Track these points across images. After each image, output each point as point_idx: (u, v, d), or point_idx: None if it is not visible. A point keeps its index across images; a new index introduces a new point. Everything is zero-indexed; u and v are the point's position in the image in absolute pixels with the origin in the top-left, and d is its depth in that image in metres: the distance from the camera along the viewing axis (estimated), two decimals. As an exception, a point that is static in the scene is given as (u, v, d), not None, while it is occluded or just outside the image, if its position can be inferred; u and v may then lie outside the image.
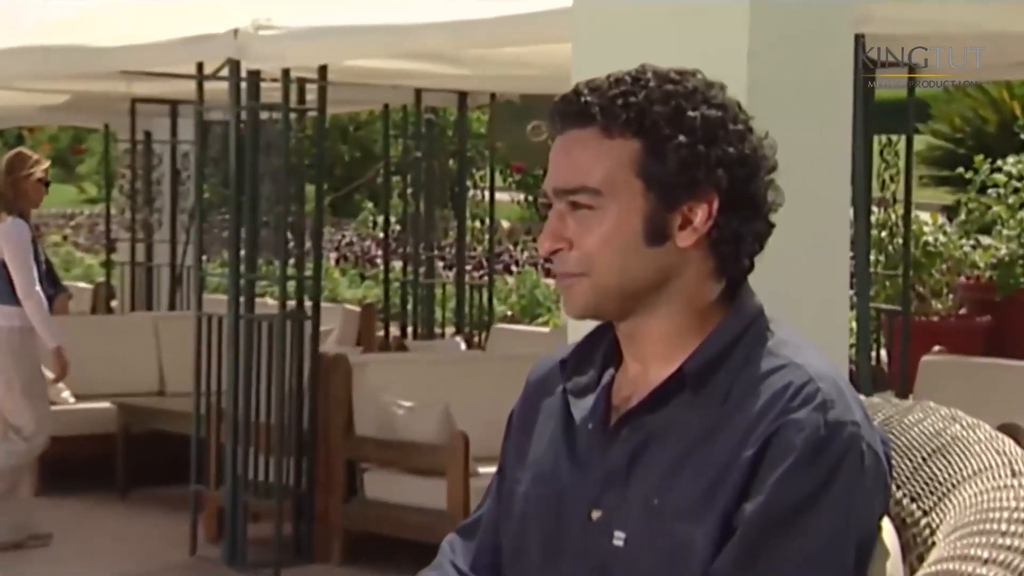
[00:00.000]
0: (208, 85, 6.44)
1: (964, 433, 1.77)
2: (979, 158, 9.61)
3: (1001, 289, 8.78)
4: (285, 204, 6.24)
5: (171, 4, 6.65)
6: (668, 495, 1.66)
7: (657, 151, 1.67)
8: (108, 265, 10.31)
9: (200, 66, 6.40)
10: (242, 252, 6.23)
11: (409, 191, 8.58)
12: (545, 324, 11.05)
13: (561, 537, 1.72)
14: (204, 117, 6.58)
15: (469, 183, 8.69)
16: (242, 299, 6.20)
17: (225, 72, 6.17)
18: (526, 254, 14.87)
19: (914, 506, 1.75)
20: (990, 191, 9.46)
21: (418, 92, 8.06)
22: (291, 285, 6.28)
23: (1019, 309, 8.66)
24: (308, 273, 6.39)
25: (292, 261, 6.37)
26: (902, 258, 6.59)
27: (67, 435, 6.91)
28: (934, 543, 1.71)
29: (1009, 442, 1.76)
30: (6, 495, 6.37)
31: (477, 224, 8.96)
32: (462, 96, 8.16)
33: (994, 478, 1.71)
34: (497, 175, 9.33)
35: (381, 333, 8.50)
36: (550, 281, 12.61)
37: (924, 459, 1.76)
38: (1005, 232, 9.16)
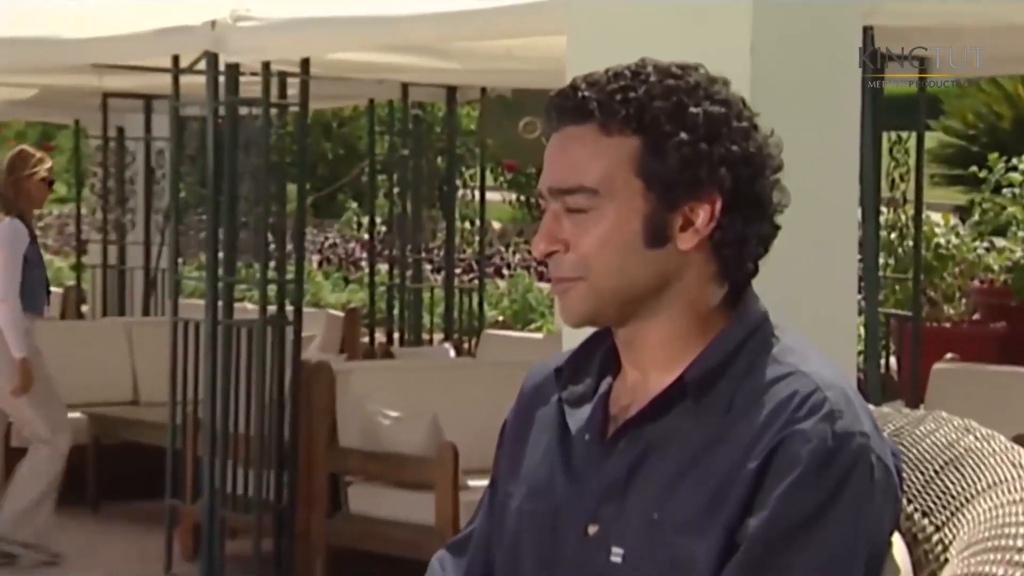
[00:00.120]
0: (184, 79, 6.43)
1: (978, 444, 1.78)
2: (993, 156, 9.63)
3: (1016, 294, 8.80)
4: (265, 204, 6.24)
5: (145, -6, 6.65)
6: (668, 508, 1.66)
7: (657, 149, 1.68)
8: (79, 268, 10.30)
9: (176, 59, 6.40)
10: (220, 254, 6.22)
11: (395, 190, 8.57)
12: (538, 330, 11.05)
13: (556, 553, 1.72)
14: (180, 112, 6.58)
15: (458, 182, 8.69)
16: (220, 304, 6.20)
17: (202, 65, 6.16)
18: (518, 256, 14.88)
19: (926, 521, 1.75)
20: (1005, 191, 9.48)
21: (405, 87, 8.06)
22: (271, 289, 6.27)
23: (1035, 315, 8.68)
24: (289, 276, 6.39)
25: (272, 264, 6.36)
26: (912, 261, 6.60)
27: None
28: (947, 560, 1.72)
29: (1025, 454, 1.77)
30: (42, 502, 6.43)
31: (467, 225, 8.96)
32: (451, 91, 8.16)
33: (1009, 491, 1.71)
34: (488, 174, 9.35)
35: (366, 339, 8.49)
36: (543, 285, 12.63)
37: (936, 472, 1.77)
38: (1020, 234, 9.18)
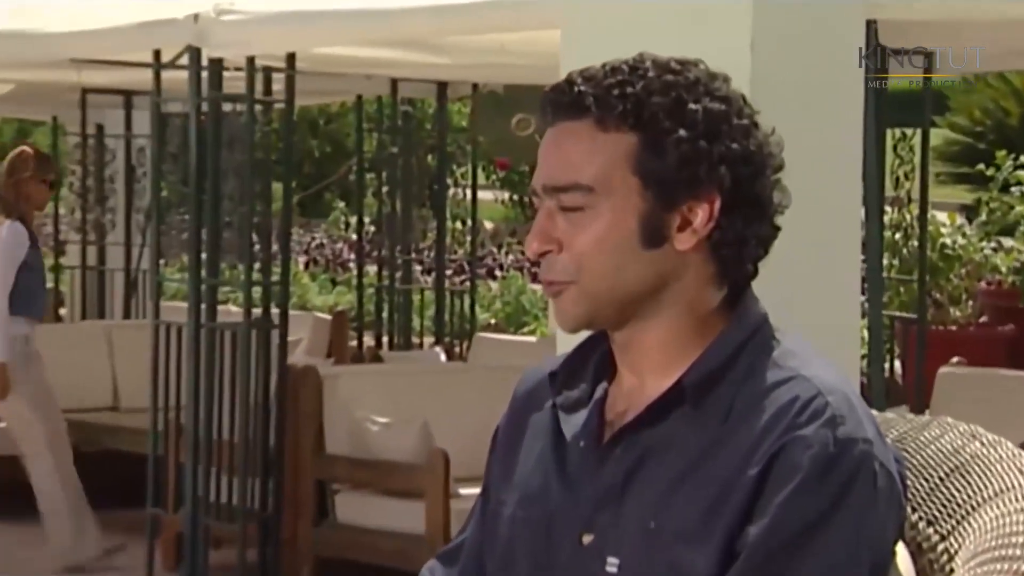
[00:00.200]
0: (166, 74, 6.43)
1: (984, 451, 1.78)
2: (1001, 153, 9.65)
3: (1024, 295, 8.82)
4: (250, 203, 6.24)
5: (126, -14, 6.64)
6: (666, 517, 1.66)
7: (655, 146, 1.68)
8: (57, 269, 10.28)
9: (157, 53, 6.39)
10: (203, 255, 6.22)
11: (384, 189, 8.57)
12: (532, 333, 11.06)
13: (550, 563, 1.72)
14: (161, 109, 6.57)
15: (449, 181, 8.70)
16: (203, 306, 6.20)
17: (184, 60, 6.17)
18: (511, 257, 14.88)
19: (931, 530, 1.76)
20: (1013, 189, 9.51)
21: (394, 82, 8.06)
22: (256, 291, 6.27)
23: (1044, 317, 8.69)
24: (275, 278, 6.39)
25: (257, 265, 6.36)
26: (917, 262, 6.61)
27: (12, 454, 6.90)
28: (952, 570, 1.72)
29: (1033, 461, 1.77)
30: (79, 511, 6.50)
31: (458, 225, 8.98)
32: (442, 86, 8.17)
33: (1017, 499, 1.72)
34: (480, 172, 9.33)
35: (354, 343, 8.49)
36: (537, 287, 12.63)
37: (941, 479, 1.77)
38: (1029, 234, 9.20)
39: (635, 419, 1.72)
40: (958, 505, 1.75)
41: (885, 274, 6.46)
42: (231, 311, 7.53)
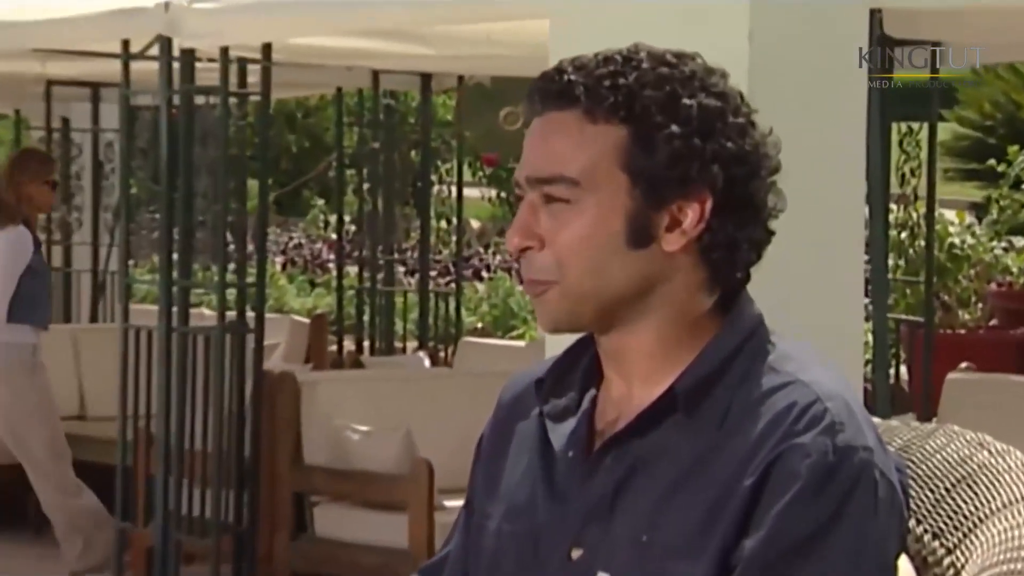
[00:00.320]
0: (135, 65, 6.42)
1: (993, 461, 1.79)
2: (1013, 148, 9.68)
3: (1036, 297, 8.84)
4: (224, 201, 6.24)
5: (93, -27, 6.64)
6: (658, 530, 1.66)
7: (646, 141, 1.68)
8: (21, 271, 10.25)
9: (126, 43, 6.39)
10: (174, 256, 6.22)
11: (365, 186, 8.58)
12: (520, 338, 11.07)
13: (538, 578, 1.73)
14: (131, 102, 6.57)
15: (434, 177, 8.70)
16: (174, 309, 6.19)
17: (155, 51, 6.16)
18: (499, 258, 14.90)
19: (936, 543, 1.76)
20: (1024, 186, 9.53)
21: (375, 74, 8.06)
22: (231, 293, 6.27)
23: (1057, 320, 8.71)
24: (250, 280, 6.39)
25: (232, 266, 6.36)
26: (924, 263, 6.63)
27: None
28: (958, 585, 1.73)
29: (1043, 471, 1.78)
30: (101, 523, 6.55)
31: (443, 224, 8.97)
32: (426, 78, 8.17)
33: (1026, 511, 1.72)
34: (465, 168, 9.35)
35: (333, 348, 8.50)
36: (526, 288, 12.63)
37: (947, 490, 1.78)
38: (1041, 233, 9.23)
39: (625, 428, 1.72)
40: (965, 517, 1.76)
41: (890, 275, 6.47)
42: (204, 314, 7.52)
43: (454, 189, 8.80)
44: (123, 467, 6.44)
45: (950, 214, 9.25)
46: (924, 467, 1.80)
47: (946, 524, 1.76)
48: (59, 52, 7.33)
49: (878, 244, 4.92)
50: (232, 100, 6.25)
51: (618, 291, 1.70)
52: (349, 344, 8.54)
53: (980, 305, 8.74)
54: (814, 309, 3.21)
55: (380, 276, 8.42)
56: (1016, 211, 9.51)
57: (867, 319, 4.74)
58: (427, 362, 7.90)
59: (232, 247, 6.43)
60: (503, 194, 16.19)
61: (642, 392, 1.73)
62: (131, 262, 6.98)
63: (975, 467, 1.78)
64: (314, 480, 6.20)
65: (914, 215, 6.86)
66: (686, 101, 1.68)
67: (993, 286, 8.94)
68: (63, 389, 8.04)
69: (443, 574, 1.84)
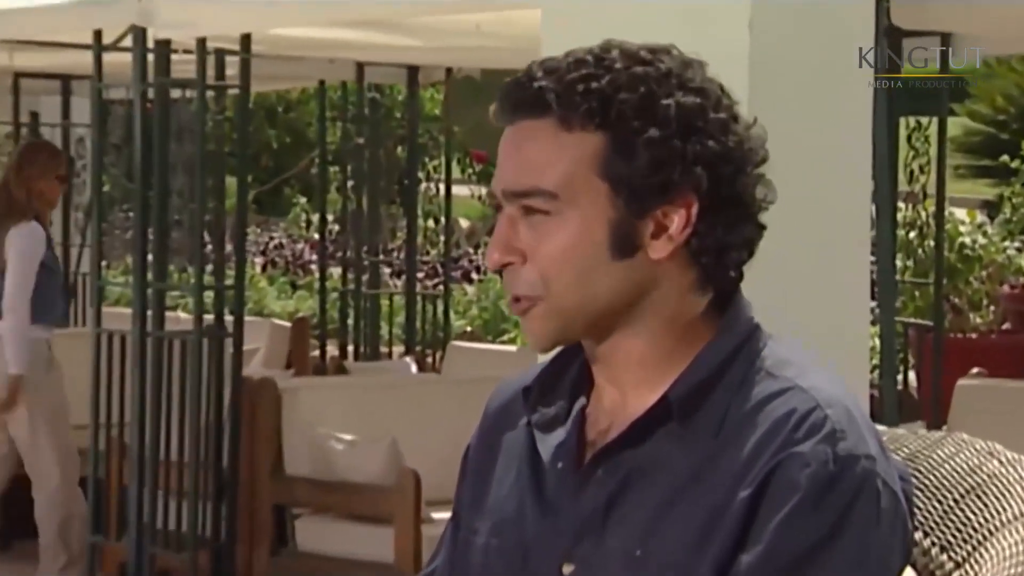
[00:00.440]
0: (107, 57, 6.42)
1: (1003, 470, 1.79)
2: (1026, 144, 9.69)
3: (1051, 300, 8.86)
4: (201, 200, 6.23)
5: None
6: (653, 545, 1.66)
7: (624, 147, 1.67)
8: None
9: (98, 34, 6.38)
10: (149, 257, 6.22)
11: (349, 184, 8.58)
12: (511, 342, 11.07)
13: (527, 595, 1.73)
14: (103, 95, 6.56)
15: (421, 174, 8.71)
16: (149, 313, 6.19)
17: (128, 41, 6.16)
18: (489, 259, 14.88)
19: (944, 556, 1.77)
20: (1038, 183, 9.55)
21: (360, 66, 8.06)
22: (208, 296, 6.27)
23: (1072, 324, 8.73)
24: (229, 282, 6.38)
25: (210, 268, 6.36)
26: (934, 264, 6.64)
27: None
28: (967, 600, 1.73)
29: (1056, 481, 1.78)
30: (70, 539, 6.57)
31: (431, 223, 8.98)
32: (412, 71, 8.17)
33: (1038, 523, 1.73)
34: (454, 165, 9.35)
35: (316, 353, 8.49)
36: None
37: (956, 501, 1.78)
38: (1056, 232, 9.25)
39: (617, 438, 1.72)
40: (974, 529, 1.76)
41: (898, 277, 6.49)
42: (180, 318, 7.52)
43: (442, 187, 8.81)
44: (95, 478, 6.44)
45: (961, 213, 9.27)
46: (932, 477, 1.80)
47: (955, 537, 1.77)
48: (27, 43, 7.33)
49: (885, 244, 4.93)
50: (209, 94, 6.25)
51: (606, 303, 1.70)
52: (332, 349, 8.54)
53: (992, 308, 8.75)
54: (817, 312, 3.21)
55: (365, 278, 8.42)
56: (1030, 210, 9.53)
57: (874, 323, 4.75)
58: (414, 368, 7.90)
59: (210, 248, 6.42)
60: (494, 192, 16.17)
61: (635, 400, 1.73)
62: (104, 263, 6.97)
63: (985, 477, 1.79)
64: (296, 492, 6.20)
65: (923, 214, 6.87)
66: (664, 102, 1.67)
67: (1006, 288, 8.95)
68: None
69: (429, 590, 1.85)
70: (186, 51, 6.20)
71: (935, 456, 1.82)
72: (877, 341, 5.31)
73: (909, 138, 6.79)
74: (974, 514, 1.77)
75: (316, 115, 9.55)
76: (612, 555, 1.68)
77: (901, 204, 6.65)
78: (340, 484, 6.03)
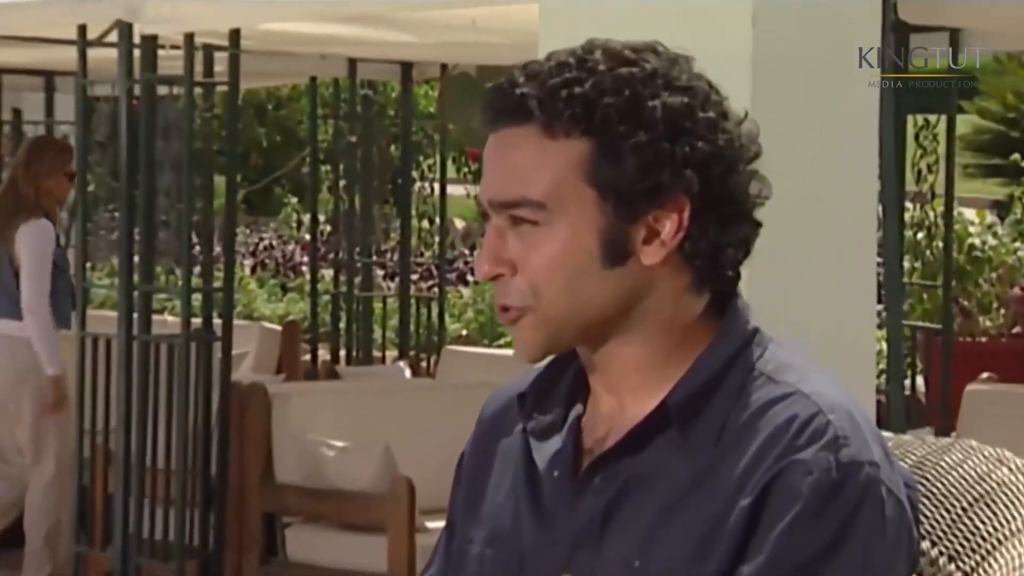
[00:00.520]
0: (92, 52, 6.42)
1: (1013, 478, 1.79)
2: (1036, 143, 9.69)
3: (1063, 303, 8.86)
4: (189, 200, 6.24)
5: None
6: (651, 555, 1.67)
7: (611, 152, 1.67)
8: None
9: (83, 29, 6.39)
10: (135, 258, 6.22)
11: (342, 183, 8.58)
12: (508, 346, 11.06)
13: (523, 607, 1.73)
14: (88, 92, 6.57)
15: (415, 174, 8.71)
16: (135, 316, 6.20)
17: (114, 37, 6.16)
18: (485, 260, 14.87)
19: (952, 566, 1.77)
20: (1050, 183, 9.55)
21: (352, 62, 8.07)
22: (196, 299, 6.27)
23: (1084, 327, 8.73)
24: (217, 284, 6.39)
25: (197, 269, 6.36)
26: (942, 265, 6.64)
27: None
28: (975, 611, 1.74)
29: (1066, 490, 1.78)
30: (55, 544, 6.59)
31: (425, 224, 8.98)
32: (406, 67, 8.18)
33: (1048, 533, 1.73)
34: (449, 164, 9.36)
35: (307, 357, 8.50)
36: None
37: (964, 509, 1.78)
38: (1067, 234, 9.26)
39: (615, 446, 1.72)
40: (983, 538, 1.76)
41: (906, 279, 6.49)
42: (167, 321, 7.53)
43: (437, 186, 8.81)
44: (80, 486, 6.44)
45: (970, 213, 9.28)
46: (939, 485, 1.80)
47: (963, 546, 1.77)
48: (10, 38, 7.33)
49: (892, 245, 4.93)
50: (197, 90, 6.25)
51: (598, 311, 1.70)
52: (324, 353, 8.55)
53: (1002, 311, 8.76)
54: (823, 316, 3.21)
55: (357, 280, 8.42)
56: (1041, 210, 9.54)
57: (880, 326, 4.75)
58: (408, 372, 7.90)
59: (197, 249, 6.43)
60: (490, 191, 16.18)
61: (633, 407, 1.73)
62: (88, 265, 6.97)
63: (994, 485, 1.79)
64: (286, 499, 6.20)
65: (931, 214, 6.88)
66: (650, 103, 1.67)
67: (1016, 290, 8.96)
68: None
69: (423, 601, 1.85)
70: (173, 47, 6.21)
71: (942, 463, 1.82)
72: (884, 345, 5.32)
73: (917, 136, 6.80)
74: (983, 523, 1.77)
75: (307, 112, 9.54)
76: (610, 565, 1.68)
77: (909, 204, 6.67)
78: (332, 492, 6.03)
